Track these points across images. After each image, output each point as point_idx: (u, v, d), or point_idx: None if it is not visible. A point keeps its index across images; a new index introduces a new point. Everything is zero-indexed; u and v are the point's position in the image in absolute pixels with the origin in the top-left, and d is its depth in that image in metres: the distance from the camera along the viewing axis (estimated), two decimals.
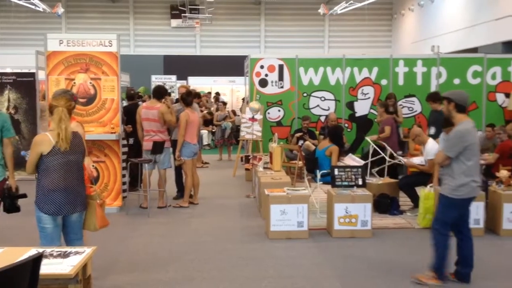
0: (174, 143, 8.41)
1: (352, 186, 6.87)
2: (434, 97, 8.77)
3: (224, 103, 16.29)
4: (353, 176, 6.94)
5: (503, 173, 6.96)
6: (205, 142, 15.98)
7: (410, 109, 11.27)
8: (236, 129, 14.46)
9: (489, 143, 9.75)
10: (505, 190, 6.73)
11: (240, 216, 7.79)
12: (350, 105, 11.26)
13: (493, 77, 11.18)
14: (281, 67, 11.23)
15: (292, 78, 11.22)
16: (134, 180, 9.11)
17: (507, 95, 11.07)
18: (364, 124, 11.17)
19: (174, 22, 28.09)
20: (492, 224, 6.77)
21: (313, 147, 10.03)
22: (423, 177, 7.71)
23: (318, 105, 11.24)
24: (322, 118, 11.15)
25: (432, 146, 7.79)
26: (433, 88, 11.14)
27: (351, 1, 23.34)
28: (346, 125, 11.10)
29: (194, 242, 6.46)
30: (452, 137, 4.88)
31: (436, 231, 5.00)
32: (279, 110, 11.23)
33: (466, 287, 4.98)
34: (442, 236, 4.95)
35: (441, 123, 7.36)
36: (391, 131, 9.46)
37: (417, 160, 8.10)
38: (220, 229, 7.06)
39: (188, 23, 27.78)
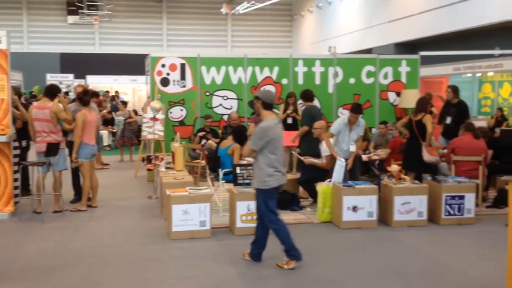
0: (70, 144, 8.06)
1: None
2: (306, 96, 9.19)
3: (124, 103, 15.85)
4: None
5: (394, 167, 7.35)
6: (105, 142, 15.47)
7: None
8: (138, 129, 14.14)
9: (382, 139, 10.28)
10: (396, 184, 7.11)
11: (141, 218, 7.62)
12: (253, 104, 11.36)
13: (385, 76, 11.77)
14: (183, 66, 11.12)
15: (194, 77, 11.15)
16: (27, 184, 8.64)
17: (398, 94, 11.72)
18: None
19: (71, 19, 27.00)
20: (385, 216, 7.14)
21: (215, 146, 10.03)
22: (322, 173, 7.96)
23: (220, 104, 11.25)
24: (225, 117, 11.19)
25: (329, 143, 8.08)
26: (330, 87, 11.54)
27: (253, 1, 23.65)
28: (249, 123, 11.21)
29: (92, 246, 6.23)
30: (257, 132, 5.30)
31: (270, 224, 5.41)
32: (181, 110, 11.12)
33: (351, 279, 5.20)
34: (276, 224, 5.40)
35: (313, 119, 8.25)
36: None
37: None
38: (120, 231, 6.87)
39: (86, 19, 26.81)
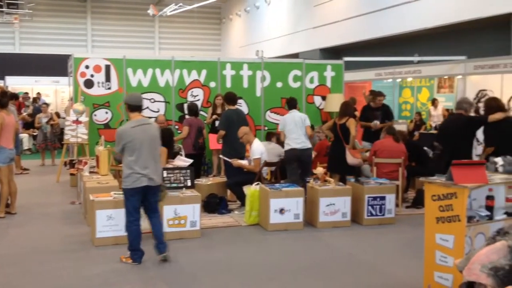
0: None
1: (181, 187, 6.88)
2: (228, 99, 9.16)
3: (47, 105, 15.26)
4: (181, 178, 6.97)
5: (319, 170, 7.53)
6: (25, 146, 14.82)
7: None
8: (60, 132, 13.64)
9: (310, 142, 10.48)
10: (321, 186, 7.29)
11: (63, 224, 7.35)
12: (180, 107, 11.27)
13: (311, 81, 12.03)
14: (108, 68, 10.84)
15: (120, 79, 10.90)
16: None
17: (324, 98, 12.00)
18: None
19: None
20: (310, 217, 7.29)
21: None
22: (250, 176, 8.02)
23: (147, 107, 11.05)
24: (152, 120, 11.00)
25: (257, 146, 8.17)
26: (258, 91, 11.65)
27: (181, 4, 23.46)
28: (177, 127, 11.10)
29: (11, 254, 5.94)
30: (116, 136, 5.62)
31: (126, 219, 5.63)
32: (106, 112, 10.83)
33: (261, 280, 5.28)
34: (130, 223, 5.58)
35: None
36: (189, 131, 9.65)
37: (244, 160, 8.40)
38: (41, 239, 6.59)
39: (5, 18, 25.52)
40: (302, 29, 22.29)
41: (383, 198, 7.36)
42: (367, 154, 8.97)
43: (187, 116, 10.45)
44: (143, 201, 5.63)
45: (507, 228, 2.54)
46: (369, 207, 7.32)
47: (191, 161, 8.20)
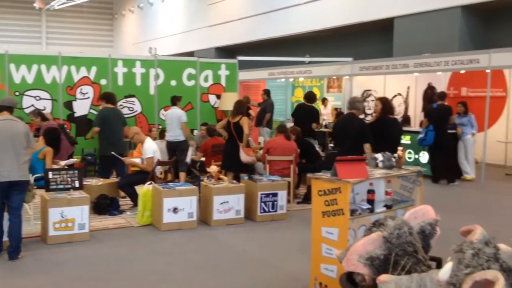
0: None
1: (68, 189, 6.59)
2: (107, 98, 9.14)
3: None
4: (69, 179, 6.68)
5: (213, 168, 7.55)
6: None
7: (131, 109, 11.36)
8: None
9: (204, 141, 10.48)
10: (215, 184, 7.31)
11: None
12: (69, 105, 10.80)
13: (206, 79, 12.04)
14: None
15: (1, 75, 10.22)
16: None
17: (218, 97, 12.06)
18: (83, 124, 10.83)
19: None
20: (205, 216, 7.29)
21: None
22: (143, 175, 7.86)
23: (32, 105, 10.46)
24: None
25: (149, 145, 8.02)
26: (152, 89, 11.46)
27: None
28: (65, 125, 10.61)
29: None
30: None
31: None
32: None
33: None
34: None
35: None
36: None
37: (137, 159, 8.22)
38: None
39: None
40: (197, 28, 22.24)
41: (275, 194, 7.53)
42: (261, 152, 9.14)
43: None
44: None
45: (383, 220, 2.71)
46: (262, 204, 7.46)
47: (74, 160, 7.86)
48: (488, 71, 10.28)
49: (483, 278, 1.83)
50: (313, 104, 10.25)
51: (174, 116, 9.50)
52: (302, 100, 12.43)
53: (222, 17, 20.80)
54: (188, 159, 9.59)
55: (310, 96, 10.26)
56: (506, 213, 7.79)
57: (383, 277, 2.24)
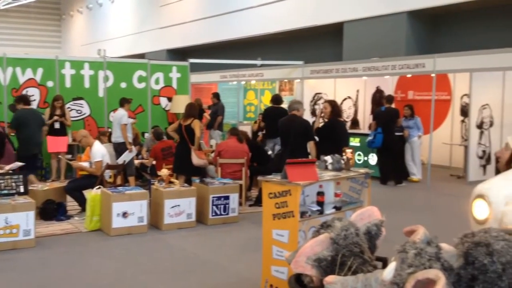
0: None
1: (12, 194, 6.38)
2: (20, 100, 9.49)
3: None
4: (13, 184, 6.45)
5: (163, 171, 7.47)
6: None
7: (79, 112, 11.12)
8: None
9: (155, 144, 10.36)
10: (166, 188, 7.23)
11: None
12: (14, 108, 10.45)
13: (157, 82, 11.91)
14: None
15: None
16: None
17: (170, 99, 11.96)
18: None
19: None
20: (155, 220, 7.20)
21: None
22: (91, 179, 7.70)
23: None
24: None
25: (98, 148, 7.87)
26: (101, 91, 11.25)
27: None
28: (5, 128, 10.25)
29: None
30: None
31: None
32: None
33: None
34: None
35: None
36: None
37: (85, 163, 8.06)
38: None
39: None
40: (149, 29, 22.00)
41: (227, 197, 7.52)
42: (213, 154, 9.12)
43: None
44: None
45: (330, 221, 2.74)
46: (214, 207, 7.43)
47: (19, 164, 7.62)
48: (433, 75, 10.61)
49: (425, 277, 1.88)
50: (281, 106, 10.61)
51: (116, 118, 9.52)
52: (254, 103, 12.53)
53: (174, 19, 20.63)
54: (124, 159, 9.27)
55: (277, 99, 11.06)
56: (450, 212, 8.05)
57: (329, 278, 2.27)
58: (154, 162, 9.32)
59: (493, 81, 10.58)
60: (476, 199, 3.72)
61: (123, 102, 9.78)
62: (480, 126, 10.68)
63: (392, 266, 2.06)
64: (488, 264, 2.14)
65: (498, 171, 4.87)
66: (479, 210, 3.67)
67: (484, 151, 10.80)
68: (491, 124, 10.82)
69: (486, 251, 2.17)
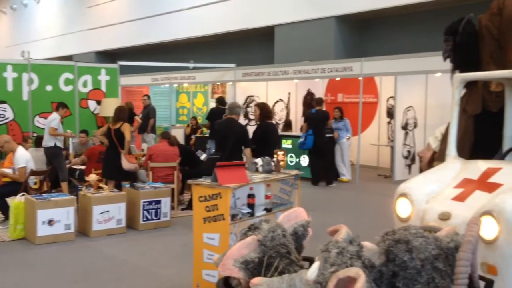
0: None
1: None
2: None
3: None
4: None
5: (92, 177, 7.26)
6: None
7: (2, 116, 10.61)
8: None
9: (83, 148, 10.08)
10: (94, 193, 7.03)
11: None
12: None
13: (85, 84, 11.55)
14: None
15: None
16: None
17: (99, 102, 11.64)
18: None
19: None
20: (83, 227, 6.99)
21: None
22: (14, 186, 7.39)
23: None
24: None
25: (22, 154, 7.57)
26: (25, 95, 10.79)
27: None
28: None
29: None
30: None
31: None
32: None
33: None
34: None
35: None
36: None
37: (8, 169, 7.72)
38: None
39: None
40: (75, 31, 21.37)
41: (158, 202, 7.41)
42: (143, 158, 8.96)
43: None
44: None
45: (258, 223, 2.76)
46: (145, 212, 7.30)
47: None
48: (360, 78, 10.94)
49: (346, 275, 1.93)
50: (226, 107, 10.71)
51: (47, 121, 9.14)
52: (187, 106, 12.44)
53: (102, 20, 20.14)
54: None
55: (222, 100, 11.71)
56: (377, 211, 8.30)
57: (255, 280, 2.28)
58: (83, 167, 9.05)
59: (417, 84, 11.04)
60: (399, 198, 3.86)
61: (58, 107, 9.40)
62: (405, 127, 11.12)
63: (315, 265, 2.10)
64: (408, 260, 2.23)
65: (421, 170, 5.10)
66: (402, 208, 3.82)
67: (409, 151, 11.25)
68: (415, 125, 11.29)
69: (406, 248, 2.26)
